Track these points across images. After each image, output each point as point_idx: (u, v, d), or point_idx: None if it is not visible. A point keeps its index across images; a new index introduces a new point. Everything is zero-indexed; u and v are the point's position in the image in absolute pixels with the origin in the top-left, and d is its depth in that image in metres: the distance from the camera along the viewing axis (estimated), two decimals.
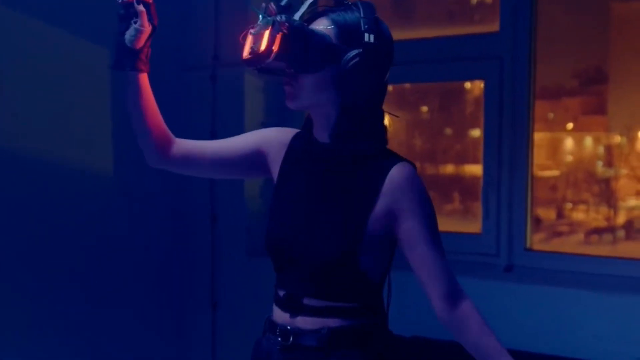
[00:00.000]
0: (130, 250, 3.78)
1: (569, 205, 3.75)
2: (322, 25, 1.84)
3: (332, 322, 1.91)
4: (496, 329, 2.02)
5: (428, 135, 3.99)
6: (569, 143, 3.83)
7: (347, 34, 1.84)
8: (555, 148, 3.72)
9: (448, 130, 3.93)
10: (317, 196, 1.94)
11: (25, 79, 3.39)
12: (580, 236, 3.71)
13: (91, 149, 3.64)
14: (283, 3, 1.83)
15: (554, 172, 3.74)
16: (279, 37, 1.76)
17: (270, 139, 2.06)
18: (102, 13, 3.56)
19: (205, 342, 3.96)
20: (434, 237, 1.91)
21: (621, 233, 3.65)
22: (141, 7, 1.83)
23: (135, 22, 1.83)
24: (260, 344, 2.02)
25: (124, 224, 3.75)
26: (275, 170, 2.04)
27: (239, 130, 3.63)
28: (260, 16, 1.80)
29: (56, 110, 3.48)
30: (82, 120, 3.58)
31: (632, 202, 3.65)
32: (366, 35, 1.84)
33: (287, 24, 1.78)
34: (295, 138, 2.05)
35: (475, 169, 3.75)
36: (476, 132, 3.90)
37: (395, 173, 1.89)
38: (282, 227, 1.96)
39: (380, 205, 1.89)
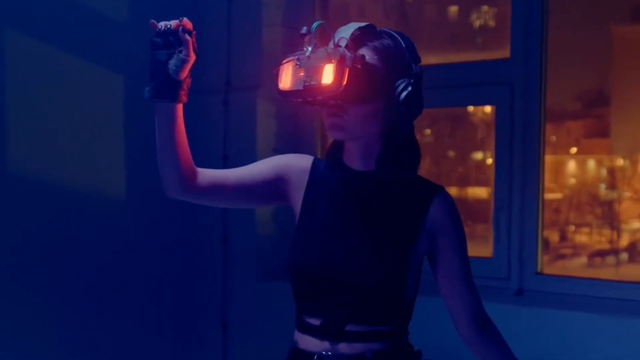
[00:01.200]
0: (142, 272, 3.80)
1: (572, 228, 3.76)
2: (367, 56, 1.83)
3: (375, 346, 1.93)
4: None
5: (432, 159, 4.01)
6: (571, 166, 3.85)
7: (393, 64, 1.86)
8: (558, 171, 3.73)
9: (451, 153, 3.95)
10: (358, 222, 1.95)
11: (39, 104, 3.43)
12: (584, 259, 3.74)
13: (104, 173, 3.67)
14: (356, 33, 1.82)
15: (557, 195, 3.75)
16: (347, 70, 1.75)
17: (290, 165, 2.05)
18: (116, 39, 3.65)
19: None
20: (467, 264, 1.99)
21: (624, 256, 3.66)
22: (187, 37, 1.79)
23: (180, 52, 1.79)
24: None
25: (135, 246, 3.77)
26: (296, 197, 2.04)
27: (251, 154, 3.72)
28: (331, 45, 1.79)
29: (70, 135, 3.51)
30: (95, 144, 3.61)
31: (636, 224, 3.68)
32: (413, 65, 1.88)
33: (360, 58, 1.79)
34: (316, 164, 2.06)
35: (479, 192, 3.77)
36: (478, 155, 3.94)
37: (440, 201, 1.95)
38: (317, 254, 1.95)
39: (425, 231, 1.95)
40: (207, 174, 1.98)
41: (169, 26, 1.79)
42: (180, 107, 1.86)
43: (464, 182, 3.87)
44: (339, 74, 1.74)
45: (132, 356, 3.74)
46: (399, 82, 1.86)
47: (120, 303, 3.71)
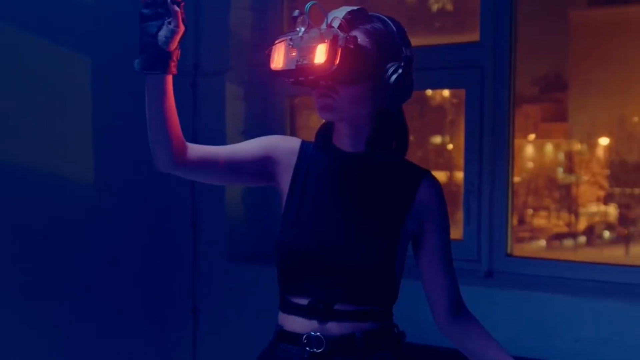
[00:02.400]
0: (110, 257, 3.77)
1: (530, 212, 3.77)
2: (359, 39, 1.84)
3: (365, 326, 1.95)
4: None
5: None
6: (529, 150, 3.87)
7: (384, 47, 1.88)
8: (516, 155, 3.74)
9: (411, 138, 3.95)
10: (348, 203, 1.97)
11: (3, 87, 3.37)
12: (542, 242, 3.76)
13: (72, 156, 3.62)
14: (348, 17, 1.84)
15: (515, 179, 3.75)
16: (340, 50, 1.77)
17: (278, 146, 2.06)
18: (82, 19, 3.60)
19: (186, 348, 3.96)
20: (449, 250, 2.04)
21: (582, 239, 3.70)
22: (175, 7, 1.79)
23: (169, 23, 1.78)
24: (275, 355, 2.00)
25: (104, 231, 3.73)
26: (284, 177, 2.04)
27: (220, 138, 3.71)
28: (324, 26, 1.80)
29: (36, 117, 3.46)
30: (63, 127, 3.56)
31: (593, 208, 3.71)
32: (403, 48, 1.90)
33: (353, 39, 1.80)
34: (305, 146, 2.07)
35: (439, 176, 3.76)
36: (437, 139, 3.95)
37: (428, 184, 2.00)
38: (307, 234, 1.96)
39: (412, 214, 1.98)
40: (198, 150, 1.98)
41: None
42: (170, 80, 1.85)
43: (423, 166, 3.86)
44: (331, 53, 1.76)
45: (101, 340, 3.71)
46: (390, 65, 1.87)
47: (89, 289, 3.68)
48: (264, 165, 2.04)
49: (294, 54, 1.81)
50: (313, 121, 4.10)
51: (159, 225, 3.96)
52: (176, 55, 1.82)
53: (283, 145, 2.07)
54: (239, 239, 3.87)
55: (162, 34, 1.78)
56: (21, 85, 3.41)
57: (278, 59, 1.84)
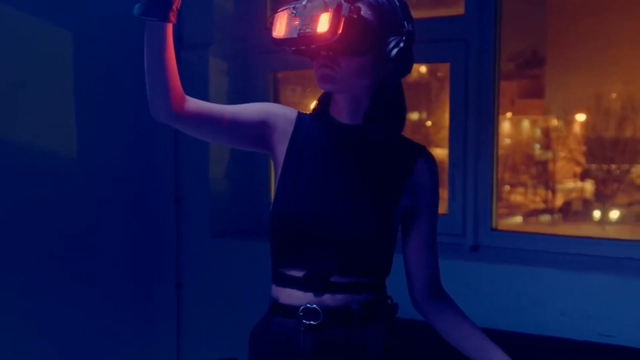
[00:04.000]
0: (93, 232, 3.73)
1: (507, 188, 3.77)
2: (362, 11, 1.84)
3: (360, 298, 1.95)
4: (463, 307, 2.11)
5: None
6: (506, 126, 3.84)
7: (386, 20, 1.88)
8: None
9: None
10: (345, 175, 1.97)
11: None
12: (519, 218, 3.77)
13: (54, 131, 3.57)
14: None
15: None
16: (343, 20, 1.76)
17: (277, 113, 2.05)
18: None
19: (170, 323, 3.94)
20: (436, 230, 2.07)
21: (559, 215, 3.72)
22: None
23: None
24: (269, 329, 2.00)
25: (87, 206, 3.69)
26: (280, 146, 2.04)
27: None
28: None
29: (16, 92, 3.40)
30: (45, 102, 3.51)
31: (570, 184, 3.71)
32: (405, 23, 1.90)
33: (357, 9, 1.79)
34: (301, 117, 2.06)
35: None
36: (414, 116, 3.96)
37: (425, 161, 2.01)
38: (304, 206, 1.95)
39: (408, 189, 1.99)
40: (197, 103, 1.97)
41: None
42: (169, 28, 1.83)
43: None
44: (335, 22, 1.75)
45: (84, 316, 3.69)
46: (391, 38, 1.87)
47: (73, 264, 3.65)
48: (261, 130, 2.02)
49: (296, 22, 1.80)
50: (296, 96, 4.08)
51: (142, 200, 3.93)
52: (177, 4, 1.80)
53: (281, 113, 2.06)
54: (223, 214, 3.85)
55: None
56: (1, 60, 3.37)
57: (280, 27, 1.83)
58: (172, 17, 1.81)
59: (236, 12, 3.85)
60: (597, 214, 3.59)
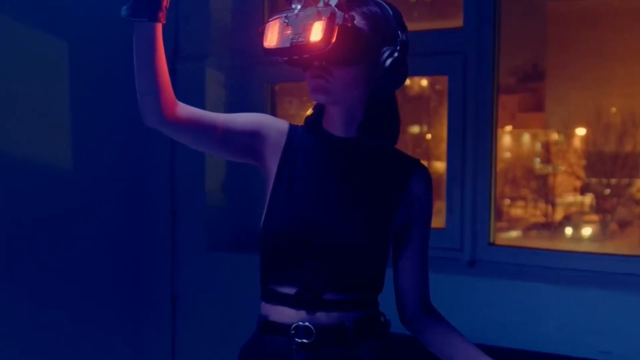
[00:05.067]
0: (88, 245, 3.71)
1: (507, 202, 3.76)
2: (355, 20, 1.81)
3: (354, 315, 1.91)
4: (460, 323, 2.07)
5: None
6: (506, 140, 3.85)
7: (380, 30, 1.85)
8: None
9: None
10: (339, 189, 1.93)
11: None
12: (519, 232, 3.76)
13: (50, 143, 3.56)
14: None
15: None
16: (337, 28, 1.72)
17: (269, 124, 2.01)
18: (60, 2, 3.54)
19: (165, 337, 3.91)
20: (427, 246, 2.03)
21: (559, 229, 3.71)
22: None
23: None
24: (260, 347, 1.95)
25: (82, 218, 3.67)
26: (271, 159, 1.99)
27: None
28: (322, 3, 1.75)
29: (12, 103, 3.39)
30: (40, 113, 3.50)
31: (570, 198, 3.71)
32: (399, 32, 1.87)
33: (351, 18, 1.76)
34: (293, 129, 2.02)
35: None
36: (415, 129, 3.93)
37: (421, 176, 1.99)
38: (296, 220, 1.91)
39: (403, 203, 1.95)
40: (191, 109, 1.93)
41: None
42: (159, 29, 1.79)
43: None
44: (328, 31, 1.72)
45: (79, 328, 3.67)
46: (385, 48, 1.84)
47: (67, 277, 3.63)
48: (252, 141, 1.98)
49: (288, 31, 1.76)
50: (294, 108, 4.06)
51: (137, 213, 3.91)
52: (165, 3, 1.76)
53: (273, 125, 2.02)
54: (218, 226, 3.82)
55: None
56: None
57: (272, 37, 1.79)
58: (162, 17, 1.77)
59: (233, 23, 3.83)
60: (596, 228, 3.57)
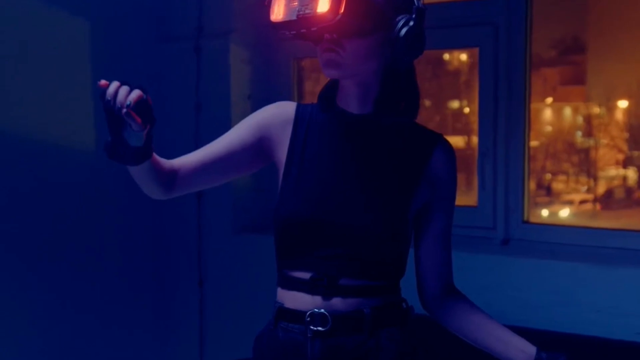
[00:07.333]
0: (115, 230, 3.71)
1: (548, 176, 3.71)
2: None
3: (371, 301, 1.82)
4: (493, 303, 2.00)
5: None
6: (547, 114, 3.81)
7: None
8: (534, 119, 3.69)
9: (427, 102, 3.85)
10: (355, 168, 1.85)
11: (2, 58, 3.27)
12: (561, 206, 3.71)
13: (73, 125, 3.54)
14: None
15: (534, 143, 3.69)
16: None
17: (270, 121, 1.93)
18: None
19: (192, 320, 3.89)
20: (451, 226, 1.94)
21: (601, 203, 3.67)
22: (133, 115, 1.60)
23: (131, 126, 1.63)
24: (275, 335, 1.88)
25: (108, 203, 3.66)
26: (280, 151, 1.92)
27: (224, 103, 3.59)
28: None
29: (36, 89, 3.37)
30: (63, 94, 3.47)
31: (612, 172, 3.66)
32: (415, 0, 1.76)
33: None
34: (301, 110, 1.93)
35: (457, 140, 3.67)
36: (455, 104, 3.86)
37: (443, 151, 1.88)
38: (310, 203, 1.83)
39: (426, 180, 1.86)
40: (189, 164, 1.89)
41: (110, 103, 1.62)
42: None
43: (441, 130, 3.81)
44: (335, 1, 1.63)
45: (107, 313, 3.67)
46: (400, 17, 1.74)
47: (94, 262, 3.62)
48: (259, 147, 1.92)
49: (295, 3, 1.68)
50: (321, 84, 3.97)
51: None
52: (149, 143, 1.70)
53: (275, 118, 1.94)
54: (244, 209, 3.78)
55: (126, 134, 1.67)
56: (18, 51, 3.33)
57: (278, 10, 1.71)
58: (148, 155, 1.73)
59: None
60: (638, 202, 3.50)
